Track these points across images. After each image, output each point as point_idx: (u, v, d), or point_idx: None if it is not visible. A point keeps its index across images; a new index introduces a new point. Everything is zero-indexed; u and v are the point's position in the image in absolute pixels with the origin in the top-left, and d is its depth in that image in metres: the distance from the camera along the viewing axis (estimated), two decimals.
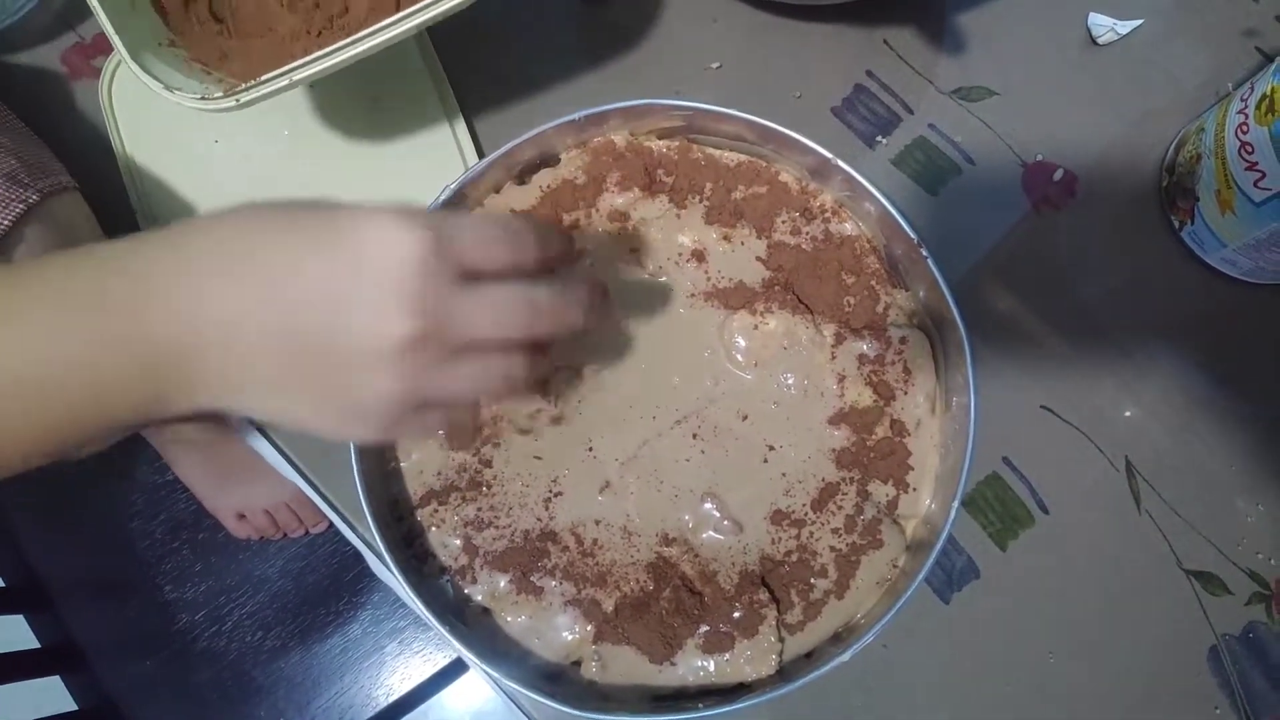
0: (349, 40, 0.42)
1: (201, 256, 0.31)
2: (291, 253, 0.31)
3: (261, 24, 0.49)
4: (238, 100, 0.42)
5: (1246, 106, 0.48)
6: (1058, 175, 0.57)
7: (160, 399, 0.31)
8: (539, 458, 0.46)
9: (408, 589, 0.42)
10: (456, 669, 0.82)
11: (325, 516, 0.76)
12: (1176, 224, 0.55)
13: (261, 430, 0.54)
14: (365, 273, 0.31)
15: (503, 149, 0.46)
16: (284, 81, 0.42)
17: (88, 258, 0.31)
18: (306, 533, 0.85)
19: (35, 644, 0.78)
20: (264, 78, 0.42)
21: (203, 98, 0.42)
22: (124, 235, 0.32)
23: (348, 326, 0.31)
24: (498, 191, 0.48)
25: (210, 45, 0.48)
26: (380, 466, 0.46)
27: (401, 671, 0.82)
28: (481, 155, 0.55)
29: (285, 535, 0.84)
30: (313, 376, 0.32)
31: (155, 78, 0.43)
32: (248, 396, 0.33)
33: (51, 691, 0.77)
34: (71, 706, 0.77)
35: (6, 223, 0.46)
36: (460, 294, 0.32)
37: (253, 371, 0.32)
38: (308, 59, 0.42)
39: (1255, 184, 0.47)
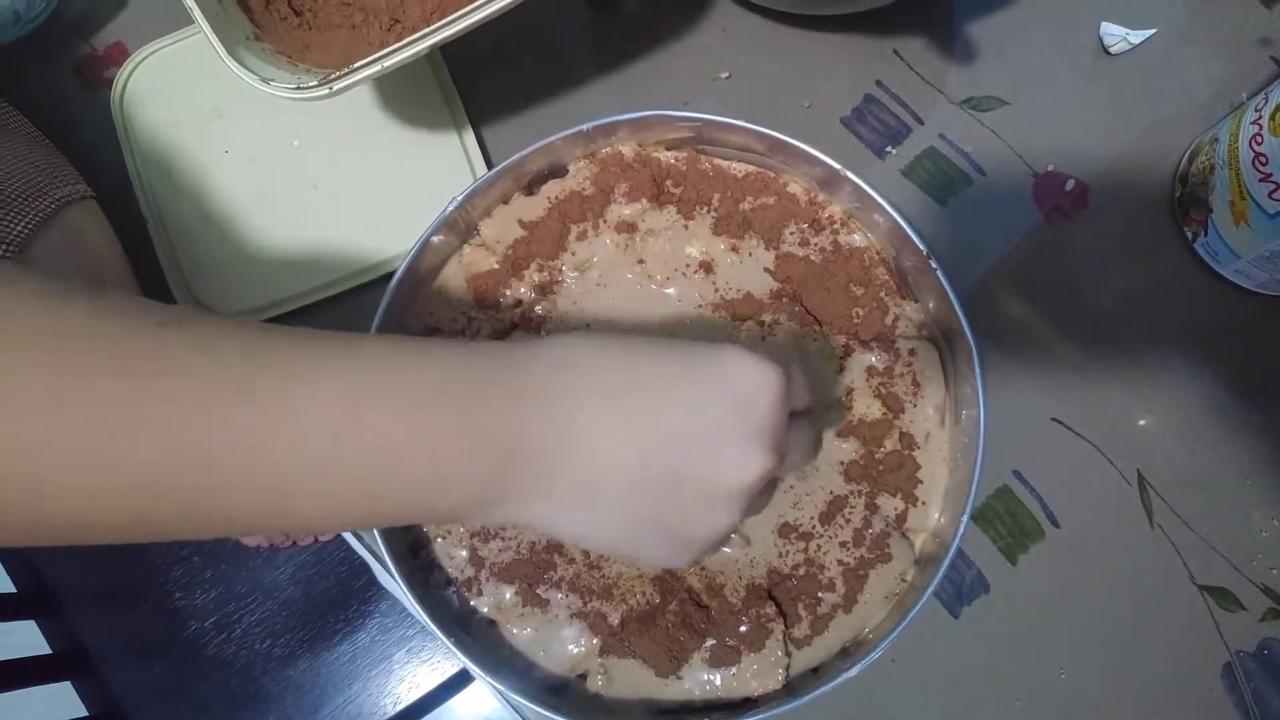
0: (437, 25, 0.43)
1: (579, 379, 0.31)
2: (667, 392, 0.32)
3: (341, 16, 0.50)
4: (330, 89, 0.43)
5: (1261, 117, 0.47)
6: (1069, 185, 0.56)
7: (485, 503, 0.31)
8: None
9: (413, 600, 0.42)
10: (464, 678, 0.82)
11: None
12: (1189, 235, 0.55)
13: None
14: (740, 410, 0.32)
15: (511, 159, 0.46)
16: (376, 68, 0.43)
17: (452, 347, 0.31)
18: (316, 541, 0.84)
19: (46, 649, 0.78)
20: (356, 64, 0.43)
21: (297, 88, 0.43)
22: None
23: (716, 464, 0.32)
24: (506, 202, 0.48)
25: (292, 38, 0.49)
26: None
27: (409, 680, 0.82)
28: (490, 165, 0.55)
29: (295, 543, 0.84)
30: (658, 515, 0.32)
31: (250, 70, 0.44)
32: (575, 525, 0.33)
33: (62, 697, 0.77)
34: (82, 712, 0.77)
35: (25, 230, 0.46)
36: (786, 431, 0.34)
37: (595, 506, 0.32)
38: (399, 44, 0.43)
39: (1269, 195, 0.47)
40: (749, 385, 0.32)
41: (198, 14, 0.44)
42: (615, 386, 0.31)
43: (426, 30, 0.43)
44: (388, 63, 0.43)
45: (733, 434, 0.32)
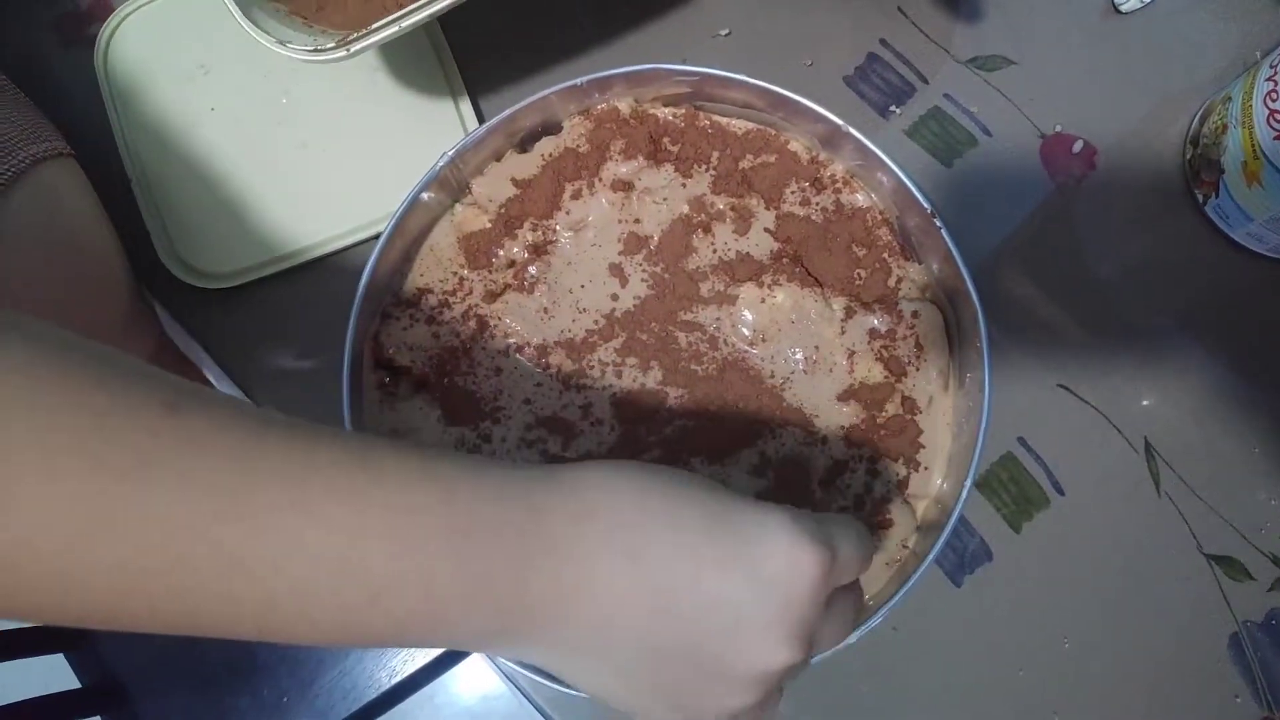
0: None
1: (600, 531, 0.29)
2: (690, 559, 0.29)
3: None
4: (348, 50, 0.42)
5: (1276, 74, 0.46)
6: (1077, 147, 0.55)
7: (480, 645, 0.29)
8: (539, 429, 0.45)
9: None
10: (461, 651, 0.82)
11: None
12: (1200, 198, 0.54)
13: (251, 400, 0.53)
14: (763, 594, 0.29)
15: (503, 114, 0.44)
16: (394, 29, 0.41)
17: (465, 467, 0.29)
18: None
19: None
20: (375, 25, 0.41)
21: (315, 49, 0.42)
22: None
23: (732, 648, 0.29)
24: (499, 160, 0.47)
25: None
26: None
27: (405, 653, 0.81)
28: (482, 122, 0.54)
29: None
30: (667, 682, 0.30)
31: (266, 33, 0.42)
32: (580, 673, 0.31)
33: (56, 669, 0.77)
34: (76, 684, 0.76)
35: None
36: (823, 615, 0.31)
37: (604, 658, 0.30)
38: (416, 5, 0.41)
39: None
40: (785, 569, 0.29)
41: None
42: (638, 547, 0.29)
43: None
44: (405, 23, 0.41)
45: (757, 620, 0.29)
